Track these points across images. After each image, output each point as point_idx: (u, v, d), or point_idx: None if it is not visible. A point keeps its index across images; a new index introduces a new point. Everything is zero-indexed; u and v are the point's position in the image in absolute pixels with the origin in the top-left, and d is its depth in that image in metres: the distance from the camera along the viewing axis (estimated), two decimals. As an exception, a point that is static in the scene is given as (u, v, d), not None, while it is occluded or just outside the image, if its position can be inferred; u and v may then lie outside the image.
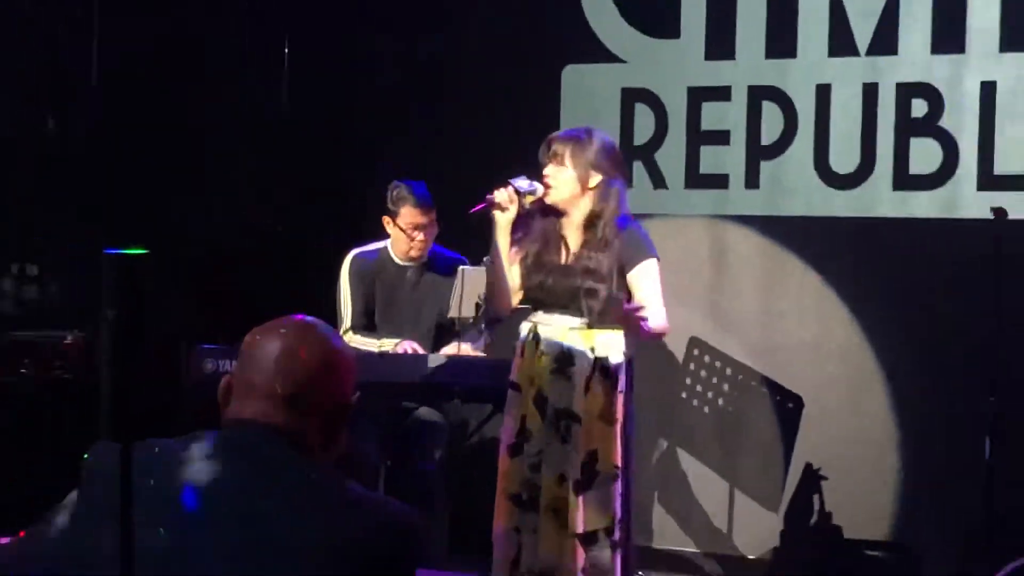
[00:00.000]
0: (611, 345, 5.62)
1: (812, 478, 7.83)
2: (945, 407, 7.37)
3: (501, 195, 5.61)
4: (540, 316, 5.72)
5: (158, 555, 2.42)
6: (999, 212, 6.74)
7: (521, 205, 5.67)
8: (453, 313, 6.77)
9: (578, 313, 5.61)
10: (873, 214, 7.73)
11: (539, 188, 5.64)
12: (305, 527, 2.58)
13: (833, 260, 7.85)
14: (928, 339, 7.51)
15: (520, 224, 5.72)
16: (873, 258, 7.72)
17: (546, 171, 5.65)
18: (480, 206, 5.67)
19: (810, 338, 7.86)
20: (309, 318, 2.86)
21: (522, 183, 5.64)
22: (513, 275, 5.74)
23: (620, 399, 5.62)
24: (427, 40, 8.67)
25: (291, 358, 2.72)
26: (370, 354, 6.71)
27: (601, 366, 5.62)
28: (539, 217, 5.73)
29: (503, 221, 5.65)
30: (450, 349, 6.63)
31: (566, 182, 5.62)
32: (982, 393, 6.68)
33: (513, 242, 5.73)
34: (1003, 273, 6.59)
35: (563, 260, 5.69)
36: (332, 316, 6.99)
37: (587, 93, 8.27)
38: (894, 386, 7.68)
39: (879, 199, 7.72)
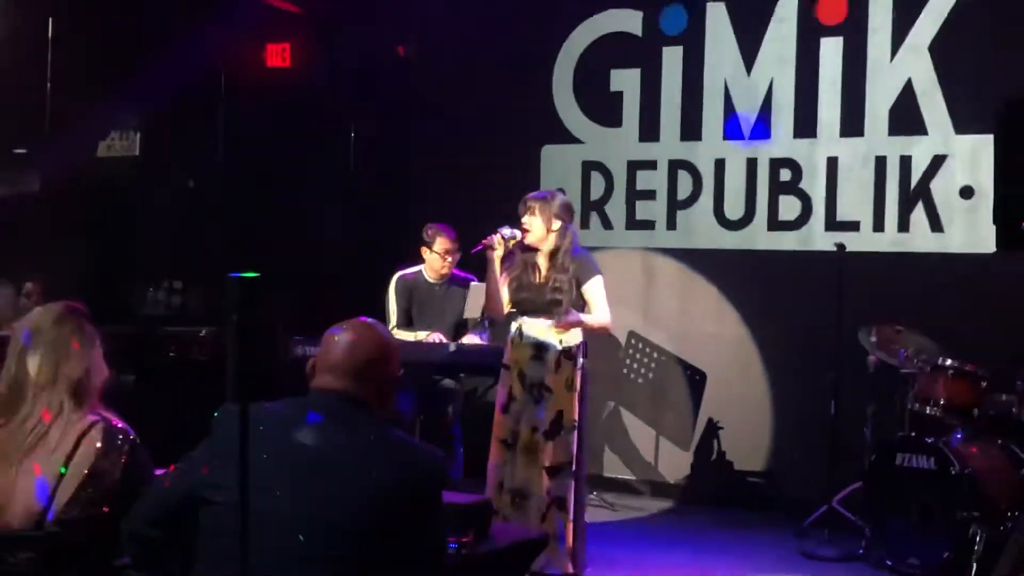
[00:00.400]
0: (571, 338, 5.66)
1: (712, 428, 7.87)
2: (803, 378, 7.39)
3: (492, 240, 5.67)
4: (523, 319, 5.73)
5: (265, 481, 2.43)
6: (840, 246, 6.77)
7: (506, 246, 5.72)
8: (467, 315, 6.82)
9: (549, 316, 5.63)
10: (754, 247, 7.76)
11: (518, 234, 5.68)
12: (367, 461, 2.63)
13: (726, 279, 7.86)
14: (791, 332, 7.54)
15: (507, 257, 5.77)
16: (754, 277, 7.75)
17: (524, 220, 5.69)
18: (478, 247, 5.72)
19: (711, 332, 7.89)
20: (368, 318, 2.88)
21: (506, 231, 5.69)
22: (504, 292, 5.77)
23: (578, 375, 5.65)
24: (439, 127, 8.68)
25: (356, 345, 2.76)
26: (409, 342, 6.72)
27: (565, 352, 5.64)
28: (519, 252, 5.76)
29: (494, 257, 5.71)
30: (466, 340, 6.62)
31: (537, 228, 5.67)
32: (827, 368, 6.72)
33: (503, 270, 5.77)
34: (843, 288, 6.61)
35: (537, 281, 5.72)
36: (383, 316, 6.99)
37: (558, 164, 8.30)
38: (768, 365, 7.73)
39: (758, 237, 7.75)
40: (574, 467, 5.58)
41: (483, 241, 5.68)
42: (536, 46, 8.38)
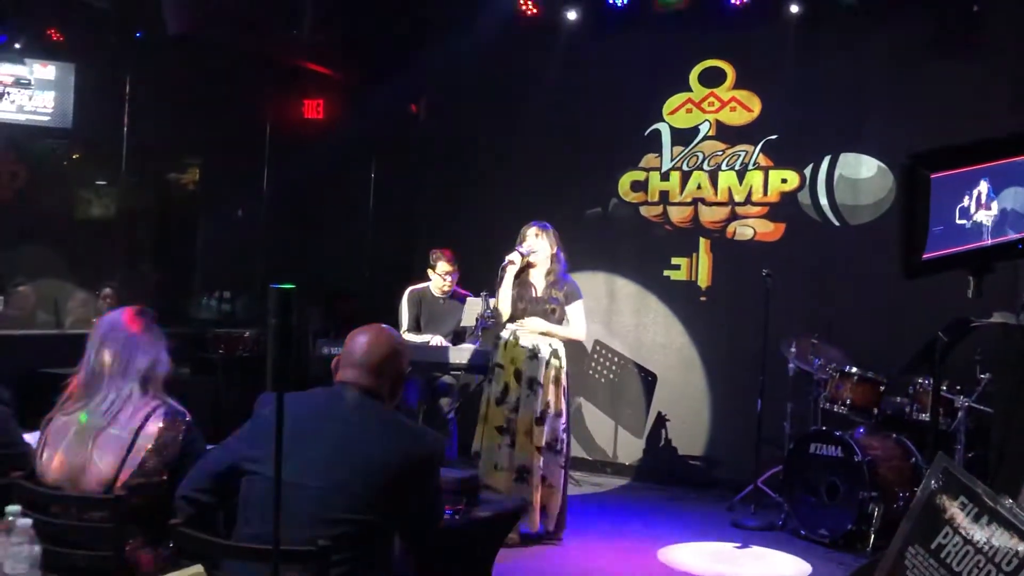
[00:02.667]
0: (558, 343, 5.68)
1: (661, 419, 7.86)
2: (735, 381, 7.38)
3: (515, 256, 5.67)
4: (525, 323, 5.75)
5: (296, 456, 2.42)
6: (768, 274, 6.74)
7: (522, 263, 5.72)
8: (464, 323, 6.81)
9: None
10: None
11: (530, 254, 5.71)
12: (379, 443, 2.63)
13: (676, 299, 7.87)
14: (727, 342, 7.53)
15: (518, 273, 5.77)
16: (696, 297, 7.75)
17: (533, 245, 5.70)
18: (505, 264, 5.70)
19: (661, 341, 7.89)
20: (385, 325, 2.88)
21: (523, 250, 5.69)
22: (509, 302, 5.77)
23: (564, 373, 5.67)
24: (443, 170, 8.70)
25: (374, 345, 2.76)
26: (418, 344, 6.71)
27: (554, 354, 5.66)
28: (520, 269, 5.77)
29: (511, 271, 5.71)
30: (464, 346, 6.56)
31: (544, 250, 5.69)
32: (755, 372, 6.71)
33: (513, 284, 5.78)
34: (769, 309, 6.61)
35: (535, 295, 5.73)
36: (396, 323, 6.98)
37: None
38: (708, 369, 7.74)
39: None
40: (559, 446, 5.60)
41: (507, 258, 5.68)
42: (518, 106, 8.34)
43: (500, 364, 5.72)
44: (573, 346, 6.53)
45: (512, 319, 5.75)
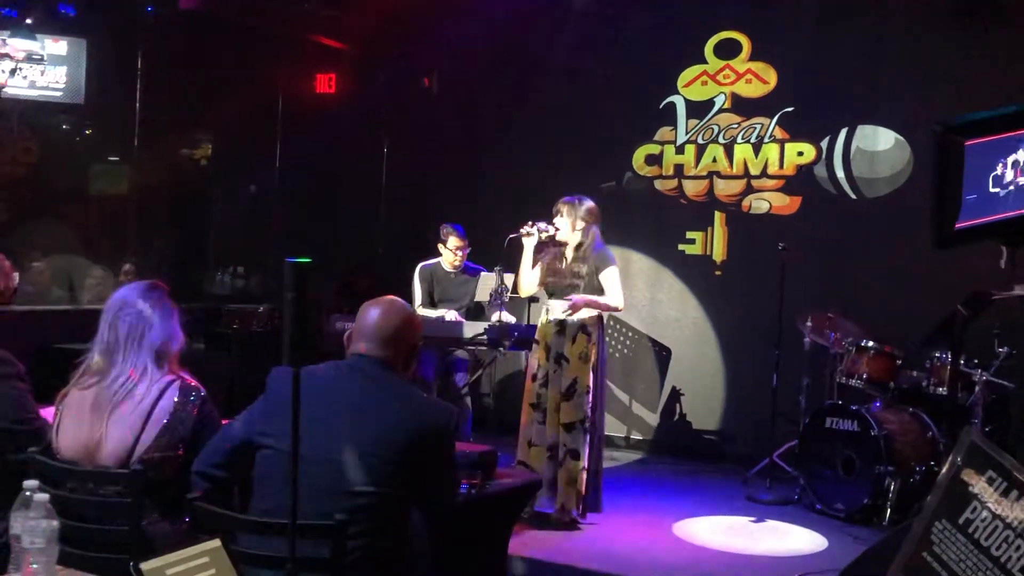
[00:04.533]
0: (587, 316, 5.59)
1: (675, 394, 7.84)
2: (751, 355, 7.34)
3: (527, 229, 5.61)
4: (550, 301, 5.70)
5: (312, 429, 2.41)
6: (784, 247, 6.70)
7: (539, 238, 5.65)
8: (478, 299, 6.79)
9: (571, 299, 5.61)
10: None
11: (551, 229, 5.63)
12: (394, 414, 2.63)
13: (691, 274, 7.82)
14: (742, 317, 7.48)
15: (544, 248, 5.69)
16: (711, 271, 7.71)
17: (555, 220, 5.64)
18: (515, 235, 5.66)
19: (675, 316, 7.85)
20: (395, 297, 2.86)
21: (541, 225, 5.62)
22: (535, 274, 5.69)
23: (593, 349, 5.58)
24: (454, 144, 8.65)
25: (385, 317, 2.74)
26: (432, 319, 6.69)
27: (582, 328, 5.59)
28: (552, 244, 5.69)
29: (528, 244, 5.64)
30: (501, 317, 6.36)
31: (565, 226, 5.61)
32: (771, 347, 6.67)
33: (537, 260, 5.69)
34: (785, 281, 6.57)
35: (563, 268, 5.67)
36: (409, 298, 6.97)
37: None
38: (722, 343, 7.69)
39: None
40: (587, 424, 5.53)
41: (520, 229, 5.64)
42: (531, 79, 8.31)
43: (536, 340, 5.68)
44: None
45: (549, 293, 5.69)
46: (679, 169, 7.84)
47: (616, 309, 5.72)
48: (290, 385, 2.37)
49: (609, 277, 5.55)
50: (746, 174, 7.58)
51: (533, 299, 5.95)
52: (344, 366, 2.72)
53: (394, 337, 2.73)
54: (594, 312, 5.57)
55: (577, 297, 5.48)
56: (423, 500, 2.70)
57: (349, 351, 2.76)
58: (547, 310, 5.65)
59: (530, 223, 5.63)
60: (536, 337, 5.65)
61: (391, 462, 2.54)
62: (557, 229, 5.60)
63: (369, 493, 2.51)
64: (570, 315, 5.52)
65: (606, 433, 7.87)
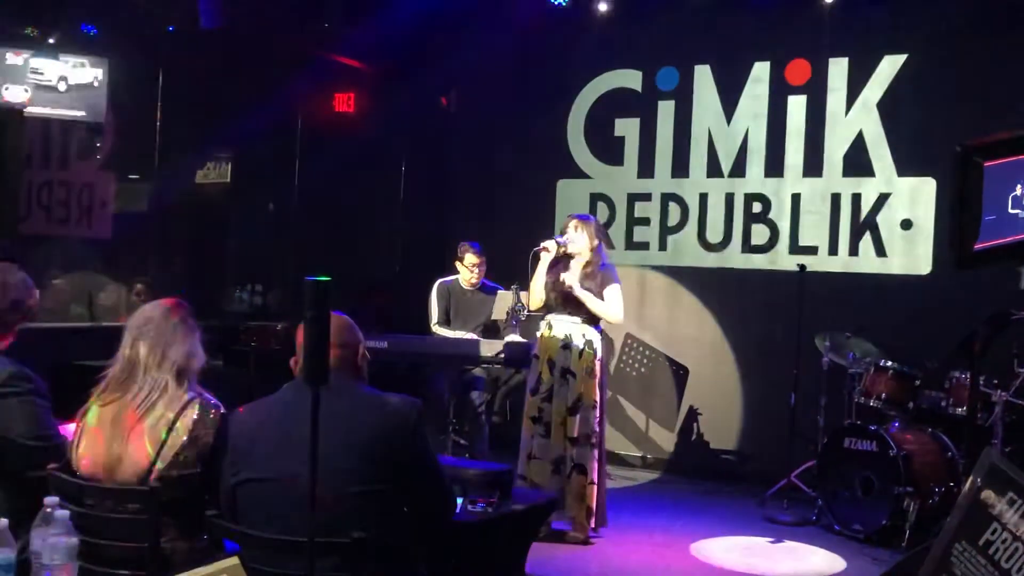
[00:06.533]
0: (593, 333, 5.62)
1: (693, 413, 7.82)
2: (768, 374, 7.34)
3: (550, 244, 5.64)
4: (553, 317, 5.71)
5: (281, 451, 2.54)
6: (801, 267, 6.73)
7: (558, 252, 5.67)
8: (494, 317, 6.79)
9: (575, 315, 5.61)
10: (730, 266, 7.70)
11: (567, 244, 5.65)
12: (357, 414, 2.65)
13: (707, 292, 7.81)
14: (760, 337, 7.48)
15: (555, 262, 5.71)
16: (730, 291, 7.70)
17: (568, 236, 5.66)
18: (538, 248, 5.66)
19: (692, 334, 7.84)
20: (339, 312, 2.81)
21: (560, 239, 5.66)
22: (541, 290, 5.72)
23: (598, 364, 5.61)
24: (473, 163, 8.67)
25: (333, 327, 2.68)
26: (448, 338, 6.70)
27: (588, 344, 5.61)
28: (563, 259, 5.71)
29: (546, 259, 5.66)
30: (509, 339, 6.26)
31: (582, 242, 5.63)
32: (789, 367, 6.66)
33: (549, 274, 5.71)
34: (803, 301, 6.57)
35: (567, 285, 5.68)
36: (426, 316, 6.99)
37: (571, 195, 8.25)
38: (740, 363, 7.68)
39: (734, 258, 7.70)
40: (593, 439, 5.54)
41: (543, 244, 5.64)
42: (553, 98, 8.36)
43: (536, 355, 5.70)
44: (606, 339, 6.51)
45: (549, 309, 5.71)
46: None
47: (612, 317, 5.70)
48: (243, 421, 2.70)
49: (612, 292, 5.63)
50: (764, 193, 7.61)
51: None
52: (298, 383, 2.72)
53: (335, 342, 2.64)
54: (597, 329, 5.61)
55: (581, 291, 5.53)
56: (414, 501, 2.68)
57: (297, 372, 2.75)
58: (549, 325, 5.67)
59: (554, 238, 5.68)
60: (536, 352, 5.68)
61: (365, 461, 2.55)
62: (570, 242, 5.63)
63: (350, 496, 2.52)
64: (568, 288, 5.53)
65: (622, 452, 7.90)
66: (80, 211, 8.52)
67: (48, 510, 2.04)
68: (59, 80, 6.96)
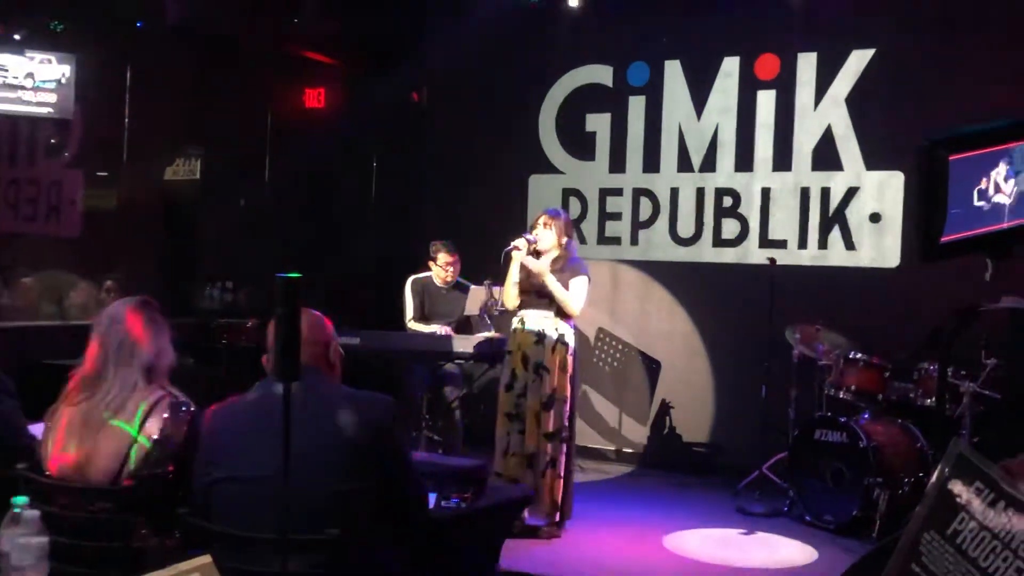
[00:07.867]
0: (565, 327, 5.63)
1: (665, 406, 7.85)
2: (739, 367, 7.38)
3: (520, 243, 5.64)
4: (526, 312, 5.71)
5: (255, 451, 2.52)
6: (771, 260, 6.77)
7: (529, 250, 5.68)
8: (467, 312, 6.78)
9: (547, 309, 5.62)
10: (701, 260, 7.73)
11: (536, 240, 5.67)
12: (331, 411, 2.63)
13: (678, 285, 7.84)
14: (732, 330, 7.51)
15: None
16: (701, 285, 7.73)
17: (538, 232, 5.68)
18: (509, 248, 5.66)
19: (664, 328, 7.87)
20: (312, 310, 2.83)
21: (530, 237, 5.67)
22: (516, 291, 5.73)
23: (570, 358, 5.63)
24: (445, 159, 8.65)
25: (305, 325, 2.66)
26: (422, 334, 6.69)
27: (560, 339, 5.62)
28: (533, 256, 5.72)
29: (518, 257, 5.67)
30: (481, 335, 6.40)
31: (550, 239, 5.65)
32: (760, 360, 6.71)
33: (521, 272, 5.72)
34: (773, 294, 6.61)
35: (538, 281, 5.69)
36: (400, 312, 6.97)
37: (543, 190, 8.25)
38: (711, 356, 7.71)
39: (704, 252, 7.73)
40: (564, 433, 5.56)
41: (513, 243, 5.64)
42: (525, 93, 8.35)
43: (509, 350, 5.71)
44: (579, 333, 6.52)
45: (523, 305, 5.71)
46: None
47: (571, 308, 5.65)
48: (215, 420, 2.68)
49: (577, 283, 5.63)
50: (734, 187, 7.64)
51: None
52: (269, 381, 2.69)
53: (307, 339, 2.63)
54: (570, 323, 5.63)
55: (549, 275, 5.53)
56: (387, 498, 2.67)
57: (269, 369, 2.71)
58: (522, 320, 5.68)
59: (523, 237, 5.68)
60: (509, 347, 5.69)
61: (339, 459, 2.55)
62: (538, 240, 5.65)
63: (328, 495, 2.51)
64: (539, 273, 5.53)
65: (595, 446, 7.92)
66: (48, 209, 8.41)
67: (17, 510, 2.01)
68: (26, 77, 6.88)
